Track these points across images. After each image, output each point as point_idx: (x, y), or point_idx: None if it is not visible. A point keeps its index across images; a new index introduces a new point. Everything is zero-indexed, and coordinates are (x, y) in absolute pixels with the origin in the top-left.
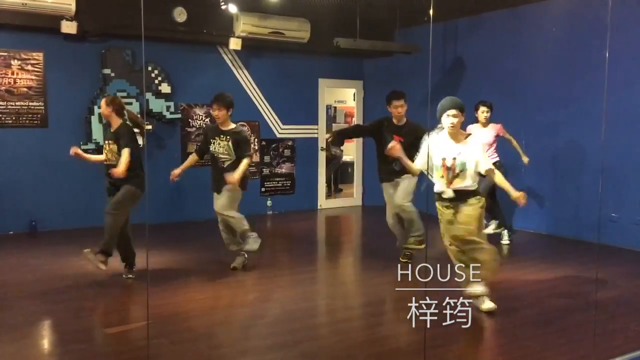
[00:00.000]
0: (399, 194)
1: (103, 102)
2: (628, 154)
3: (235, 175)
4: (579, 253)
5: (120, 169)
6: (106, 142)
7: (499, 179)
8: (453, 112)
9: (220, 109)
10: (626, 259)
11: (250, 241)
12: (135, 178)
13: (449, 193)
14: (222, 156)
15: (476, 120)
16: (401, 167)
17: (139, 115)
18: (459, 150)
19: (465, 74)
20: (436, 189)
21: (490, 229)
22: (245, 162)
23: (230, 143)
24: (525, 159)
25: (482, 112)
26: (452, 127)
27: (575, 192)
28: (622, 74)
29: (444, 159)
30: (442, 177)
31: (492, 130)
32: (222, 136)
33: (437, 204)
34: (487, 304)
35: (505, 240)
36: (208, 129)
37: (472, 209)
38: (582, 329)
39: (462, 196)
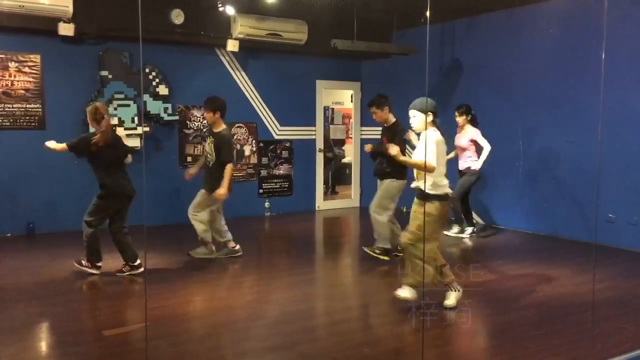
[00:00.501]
0: (372, 202)
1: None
2: (624, 154)
3: (221, 190)
4: (576, 254)
5: None
6: None
7: (404, 160)
8: (411, 112)
9: (207, 112)
10: (623, 260)
11: (200, 250)
12: (102, 188)
13: (415, 186)
14: (208, 156)
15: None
16: (386, 169)
17: (112, 127)
18: (418, 147)
19: (462, 76)
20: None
21: (452, 232)
22: (228, 170)
23: (213, 145)
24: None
25: (456, 117)
26: (411, 125)
27: (572, 192)
28: (619, 75)
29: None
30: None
31: (466, 135)
32: (210, 137)
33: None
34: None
35: (466, 235)
36: (208, 129)
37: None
38: (579, 329)
39: (425, 197)
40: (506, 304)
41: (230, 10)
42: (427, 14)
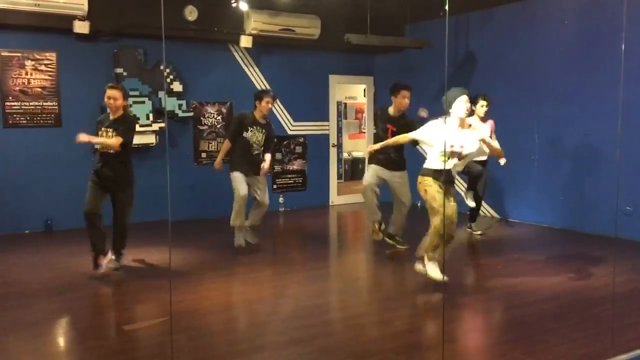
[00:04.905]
0: (406, 193)
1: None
2: None
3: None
4: (594, 247)
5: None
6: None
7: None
8: (466, 98)
9: (270, 102)
10: None
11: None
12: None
13: (450, 168)
14: (255, 145)
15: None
16: (397, 157)
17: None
18: (465, 138)
19: (476, 68)
20: (434, 166)
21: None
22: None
23: (265, 136)
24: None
25: (482, 106)
26: (467, 111)
27: (590, 185)
28: (637, 67)
29: (451, 145)
30: (444, 159)
31: (489, 125)
32: (260, 127)
33: (430, 180)
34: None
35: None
36: (250, 118)
37: (454, 205)
38: (599, 322)
39: (451, 182)
40: (524, 297)
41: (243, 6)
42: (446, 7)
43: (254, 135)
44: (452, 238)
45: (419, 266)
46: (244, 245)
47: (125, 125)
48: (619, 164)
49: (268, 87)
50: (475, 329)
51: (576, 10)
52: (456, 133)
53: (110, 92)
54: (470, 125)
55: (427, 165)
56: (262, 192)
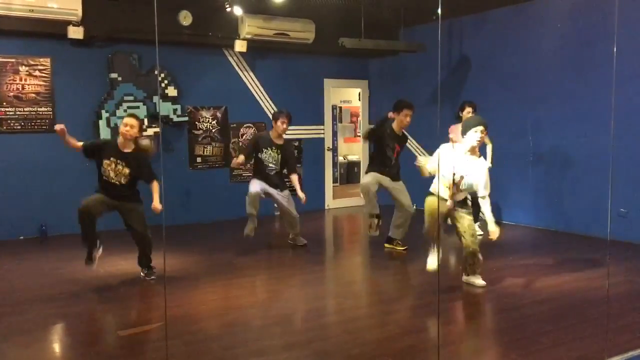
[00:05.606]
0: (407, 198)
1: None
2: (634, 148)
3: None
4: (588, 249)
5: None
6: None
7: (486, 208)
8: (482, 128)
9: (286, 123)
10: (635, 254)
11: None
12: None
13: (448, 204)
14: (270, 165)
15: (459, 120)
16: (397, 170)
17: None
18: (469, 169)
19: (470, 72)
20: (435, 190)
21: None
22: (296, 179)
23: (280, 156)
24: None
25: (468, 113)
26: (479, 142)
27: (584, 187)
28: (630, 69)
29: (453, 174)
30: (448, 188)
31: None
32: (274, 148)
33: (433, 198)
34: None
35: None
36: (264, 138)
37: (470, 218)
38: (593, 324)
39: (459, 204)
40: (519, 299)
41: (237, 10)
42: (439, 11)
43: (270, 156)
44: (474, 254)
45: (465, 277)
46: (252, 235)
47: (145, 162)
48: (612, 166)
49: (263, 91)
50: (471, 332)
51: (569, 13)
52: (462, 160)
53: (128, 120)
54: (480, 155)
55: (432, 189)
56: (287, 204)
